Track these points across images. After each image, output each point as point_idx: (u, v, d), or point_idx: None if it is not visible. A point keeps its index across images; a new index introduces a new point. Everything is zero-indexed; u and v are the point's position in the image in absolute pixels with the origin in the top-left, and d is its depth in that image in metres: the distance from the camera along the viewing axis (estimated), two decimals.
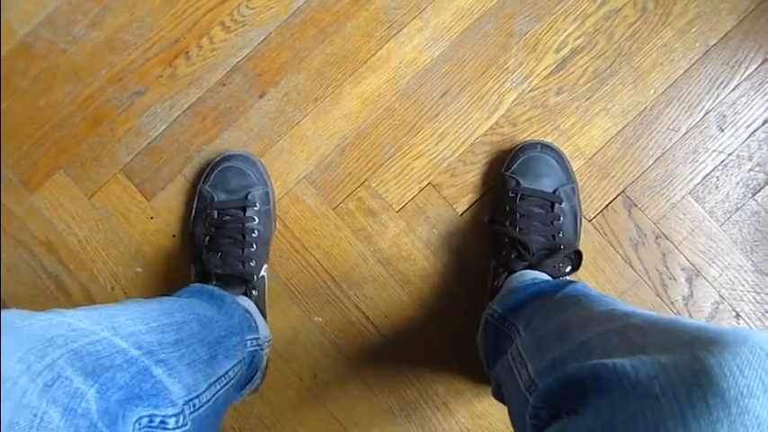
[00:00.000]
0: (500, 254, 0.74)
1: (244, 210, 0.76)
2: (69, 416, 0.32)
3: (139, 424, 0.39)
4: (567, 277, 0.71)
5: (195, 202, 0.80)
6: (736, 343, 0.32)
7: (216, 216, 0.76)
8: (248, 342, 0.64)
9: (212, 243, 0.75)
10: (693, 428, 0.29)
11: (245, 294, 0.74)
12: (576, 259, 0.72)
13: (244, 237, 0.75)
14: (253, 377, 0.70)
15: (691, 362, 0.32)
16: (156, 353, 0.44)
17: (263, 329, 0.73)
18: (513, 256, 0.72)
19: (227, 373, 0.55)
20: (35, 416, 0.31)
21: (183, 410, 0.43)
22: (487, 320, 0.68)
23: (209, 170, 0.79)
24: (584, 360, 0.39)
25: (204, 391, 0.49)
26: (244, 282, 0.73)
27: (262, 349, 0.70)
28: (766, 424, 0.29)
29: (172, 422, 0.42)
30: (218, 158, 0.80)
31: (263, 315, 0.77)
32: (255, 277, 0.75)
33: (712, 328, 0.35)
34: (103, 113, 0.85)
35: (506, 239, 0.73)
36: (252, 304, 0.73)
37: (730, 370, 0.30)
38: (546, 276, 0.69)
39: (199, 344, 0.51)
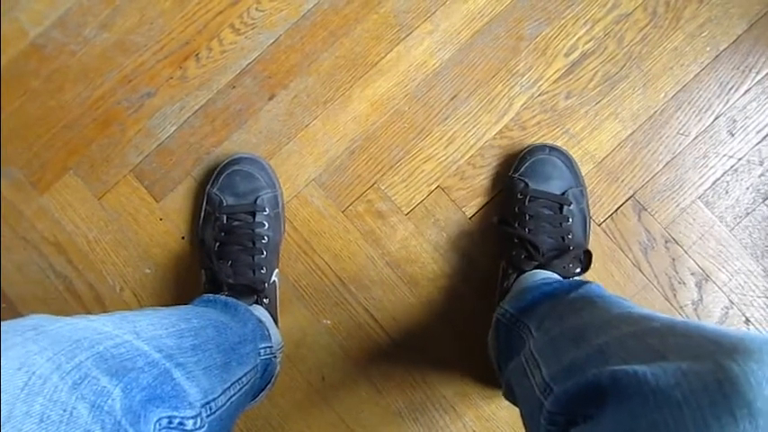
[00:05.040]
0: (509, 254, 0.74)
1: (253, 215, 0.76)
2: (96, 412, 0.33)
3: (159, 424, 0.39)
4: (579, 278, 0.71)
5: (204, 204, 0.80)
6: (761, 351, 0.31)
7: (225, 221, 0.76)
8: (261, 351, 0.65)
9: (222, 250, 0.74)
10: None
11: (257, 302, 0.74)
12: (586, 260, 0.71)
13: (254, 243, 0.74)
14: (267, 385, 0.70)
15: (714, 370, 0.31)
16: (175, 357, 0.44)
17: (276, 336, 0.73)
18: (522, 256, 0.71)
19: (240, 379, 0.55)
20: (65, 411, 0.32)
21: (200, 413, 0.44)
22: (499, 321, 0.68)
23: (218, 173, 0.79)
24: (602, 365, 0.38)
25: (220, 396, 0.49)
26: (255, 291, 0.73)
27: (275, 357, 0.70)
28: None
29: (190, 424, 0.42)
30: (226, 161, 0.79)
31: (275, 321, 0.77)
32: (266, 285, 0.74)
33: (734, 333, 0.35)
34: (114, 115, 0.85)
35: (516, 240, 0.73)
36: (264, 312, 0.73)
37: (756, 380, 0.30)
38: (557, 276, 0.69)
39: (215, 349, 0.52)
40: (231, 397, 0.52)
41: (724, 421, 0.29)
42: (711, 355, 0.32)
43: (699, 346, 0.34)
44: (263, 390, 0.69)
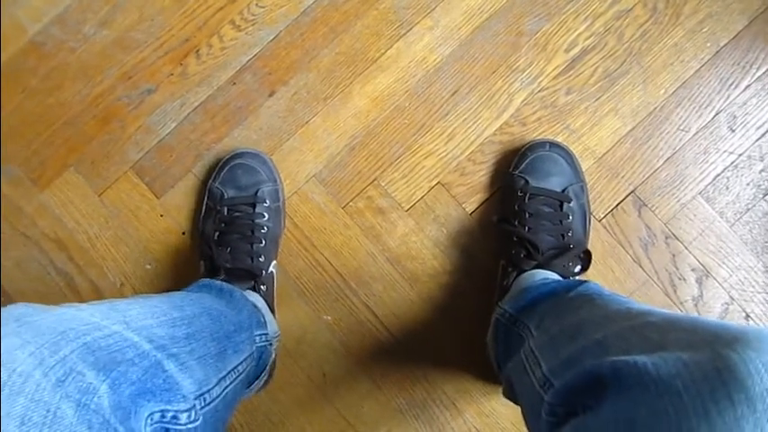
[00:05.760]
0: (509, 253, 0.74)
1: (253, 206, 0.76)
2: (82, 411, 0.32)
3: (151, 419, 0.38)
4: (578, 277, 0.71)
5: (205, 199, 0.80)
6: (758, 340, 0.32)
7: (226, 213, 0.76)
8: (257, 338, 0.64)
9: (221, 238, 0.75)
10: (718, 424, 0.29)
11: (254, 289, 0.74)
12: (586, 259, 0.71)
13: (253, 232, 0.75)
14: (261, 373, 0.69)
15: (713, 359, 0.32)
16: (168, 347, 0.43)
17: (272, 325, 0.73)
18: (522, 255, 0.71)
19: (236, 367, 0.55)
20: (48, 411, 0.30)
21: (194, 405, 0.43)
22: (498, 321, 0.68)
23: (220, 168, 0.79)
24: (601, 357, 0.39)
25: (214, 386, 0.48)
26: (252, 276, 0.73)
27: (270, 345, 0.70)
28: None
29: (183, 417, 0.41)
30: (228, 156, 0.80)
31: (272, 311, 0.77)
32: (264, 273, 0.74)
33: (733, 325, 0.35)
34: (114, 111, 0.85)
35: (515, 238, 0.73)
36: (260, 299, 0.73)
37: (755, 367, 0.30)
38: (556, 276, 0.69)
39: (209, 338, 0.51)
40: (227, 387, 0.51)
41: (722, 406, 0.30)
42: (711, 346, 0.33)
43: (699, 338, 0.35)
44: (257, 378, 0.69)
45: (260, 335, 0.66)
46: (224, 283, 0.67)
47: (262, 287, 0.74)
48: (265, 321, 0.69)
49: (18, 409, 0.29)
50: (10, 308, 0.35)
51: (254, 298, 0.72)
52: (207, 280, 0.68)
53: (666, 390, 0.32)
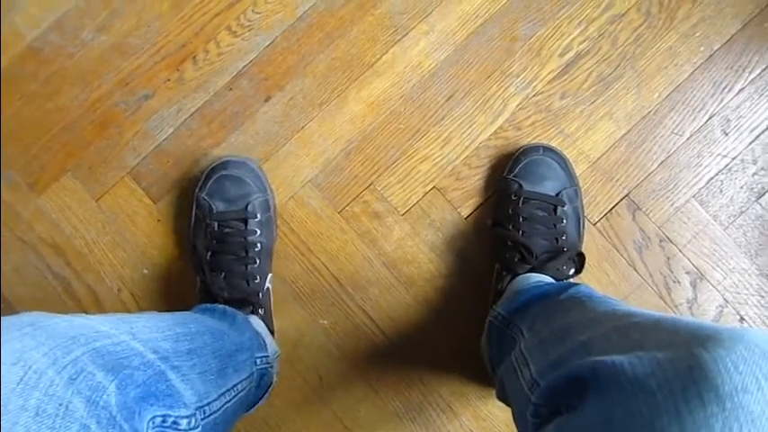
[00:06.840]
0: (503, 257, 0.74)
1: (245, 222, 0.75)
2: (92, 407, 0.34)
3: (153, 422, 0.40)
4: (571, 280, 0.72)
5: (193, 209, 0.78)
6: (731, 339, 0.32)
7: (216, 228, 0.75)
8: (258, 360, 0.65)
9: (214, 260, 0.74)
10: (688, 423, 0.30)
11: (253, 313, 0.74)
12: (579, 262, 0.72)
13: (247, 252, 0.74)
14: (263, 395, 0.70)
15: (686, 358, 0.32)
16: (171, 359, 0.45)
17: (272, 346, 0.73)
18: (516, 259, 0.72)
19: (235, 386, 0.56)
20: (60, 405, 0.32)
21: (194, 413, 0.44)
22: (492, 323, 0.68)
23: (206, 177, 0.78)
24: (584, 358, 0.39)
25: (215, 400, 0.49)
26: (249, 303, 0.73)
27: (271, 367, 0.70)
28: (760, 419, 0.29)
29: (184, 423, 0.42)
30: (213, 165, 0.78)
31: (271, 330, 0.77)
32: (261, 294, 0.74)
33: (709, 325, 0.36)
34: (111, 117, 0.86)
35: (509, 242, 0.73)
36: (260, 323, 0.73)
37: (725, 366, 0.31)
38: (550, 279, 0.69)
39: (211, 355, 0.52)
40: (226, 403, 0.52)
41: (693, 405, 0.30)
42: (685, 345, 0.33)
43: (676, 337, 0.35)
44: (259, 400, 0.69)
45: (261, 357, 0.66)
46: (226, 307, 0.68)
47: (260, 311, 0.74)
48: (266, 344, 0.70)
49: (33, 402, 0.31)
50: (24, 314, 0.37)
51: (255, 322, 0.72)
52: (209, 305, 0.69)
53: (641, 389, 0.32)
